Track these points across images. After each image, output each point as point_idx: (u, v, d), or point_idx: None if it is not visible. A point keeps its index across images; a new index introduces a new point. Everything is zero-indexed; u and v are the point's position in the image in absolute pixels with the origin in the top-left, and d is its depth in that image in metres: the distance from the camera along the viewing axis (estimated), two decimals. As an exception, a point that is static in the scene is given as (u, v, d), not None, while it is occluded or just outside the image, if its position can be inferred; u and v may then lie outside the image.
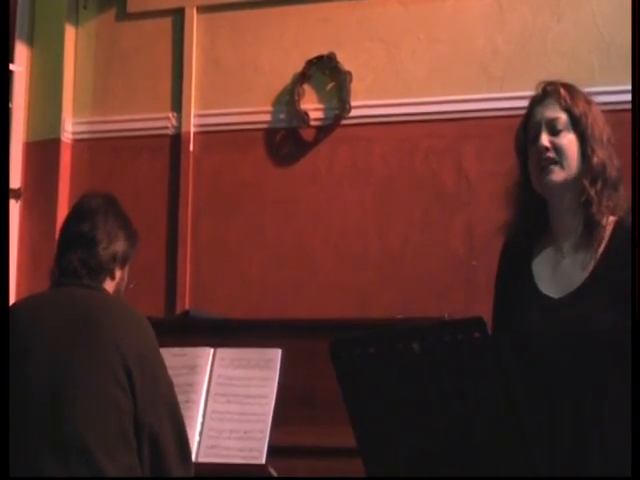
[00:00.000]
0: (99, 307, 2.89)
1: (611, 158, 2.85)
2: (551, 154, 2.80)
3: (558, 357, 2.71)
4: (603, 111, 2.96)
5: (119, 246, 3.00)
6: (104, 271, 2.97)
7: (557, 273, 2.85)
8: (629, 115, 4.19)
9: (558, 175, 2.80)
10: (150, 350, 2.88)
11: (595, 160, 2.80)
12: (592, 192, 2.78)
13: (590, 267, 2.78)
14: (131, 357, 2.79)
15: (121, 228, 3.03)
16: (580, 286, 2.78)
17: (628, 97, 4.24)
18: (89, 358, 2.79)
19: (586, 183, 2.79)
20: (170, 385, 2.92)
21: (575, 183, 2.81)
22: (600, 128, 2.86)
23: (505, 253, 3.00)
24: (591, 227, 2.81)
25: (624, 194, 2.85)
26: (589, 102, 2.89)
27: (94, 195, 3.10)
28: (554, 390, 2.72)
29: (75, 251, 2.95)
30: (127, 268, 3.08)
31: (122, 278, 3.06)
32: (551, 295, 2.82)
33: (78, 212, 3.05)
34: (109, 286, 3.00)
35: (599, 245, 2.79)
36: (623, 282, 2.71)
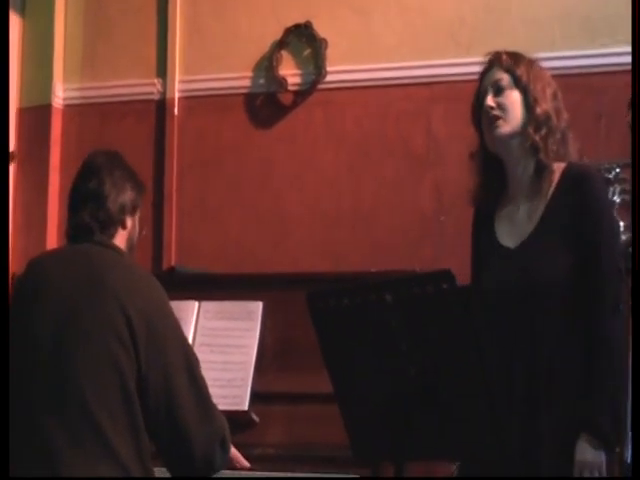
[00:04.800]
0: (106, 266, 2.80)
1: (557, 111, 2.89)
2: (496, 112, 2.86)
3: (512, 303, 2.76)
4: (563, 75, 2.96)
5: (127, 196, 2.91)
6: (115, 222, 2.88)
7: (513, 224, 2.89)
8: (586, 79, 4.25)
9: (504, 128, 2.86)
10: (157, 310, 2.74)
11: (538, 110, 2.85)
12: (537, 137, 2.84)
13: (540, 213, 2.83)
14: (135, 316, 2.67)
15: (127, 180, 2.94)
16: (530, 234, 2.83)
17: (585, 62, 4.31)
18: (92, 315, 2.70)
19: (530, 130, 2.85)
20: (182, 345, 2.76)
21: (521, 133, 2.86)
22: (543, 84, 2.90)
23: (475, 217, 3.04)
24: (540, 171, 2.85)
25: (574, 144, 2.91)
26: (531, 63, 2.94)
27: (98, 153, 3.01)
28: (508, 336, 2.75)
29: (85, 207, 2.86)
30: (137, 216, 2.98)
31: (133, 226, 2.96)
32: (508, 245, 2.87)
33: (84, 171, 2.96)
34: (121, 236, 2.90)
35: (549, 188, 2.83)
36: (571, 223, 2.77)
